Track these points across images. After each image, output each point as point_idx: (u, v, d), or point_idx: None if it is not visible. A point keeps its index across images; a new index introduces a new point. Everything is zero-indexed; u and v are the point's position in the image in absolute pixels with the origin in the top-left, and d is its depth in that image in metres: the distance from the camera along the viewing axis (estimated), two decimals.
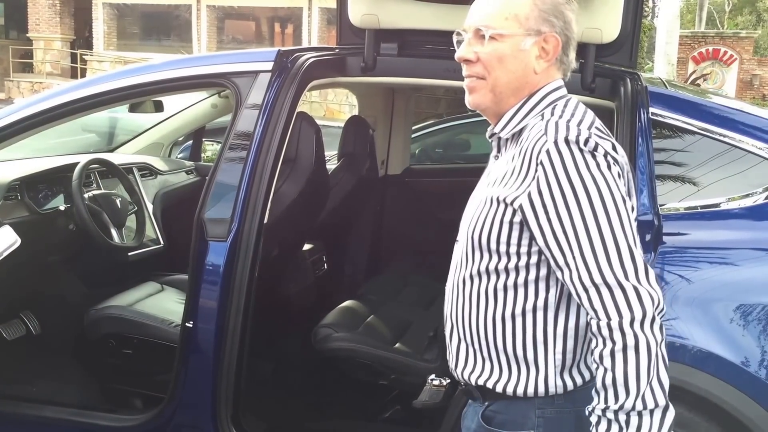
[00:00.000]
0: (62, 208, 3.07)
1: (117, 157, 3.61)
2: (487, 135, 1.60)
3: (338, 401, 3.05)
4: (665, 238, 2.19)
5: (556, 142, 1.38)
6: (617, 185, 1.38)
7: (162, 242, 3.51)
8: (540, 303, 1.47)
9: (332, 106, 16.08)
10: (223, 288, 2.44)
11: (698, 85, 13.25)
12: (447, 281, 1.64)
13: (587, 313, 1.38)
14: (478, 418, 1.57)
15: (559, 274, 1.41)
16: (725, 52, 16.94)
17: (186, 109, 4.04)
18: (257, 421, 2.70)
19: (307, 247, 3.34)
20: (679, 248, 2.25)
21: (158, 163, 3.85)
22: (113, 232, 3.15)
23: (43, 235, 2.99)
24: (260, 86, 2.52)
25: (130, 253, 3.25)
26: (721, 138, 2.36)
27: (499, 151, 1.58)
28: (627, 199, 1.40)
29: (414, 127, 4.65)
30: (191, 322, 2.47)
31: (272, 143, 2.48)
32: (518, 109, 1.52)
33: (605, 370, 1.35)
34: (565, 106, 1.50)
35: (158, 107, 3.70)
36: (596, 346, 1.36)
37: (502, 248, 1.46)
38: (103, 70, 16.63)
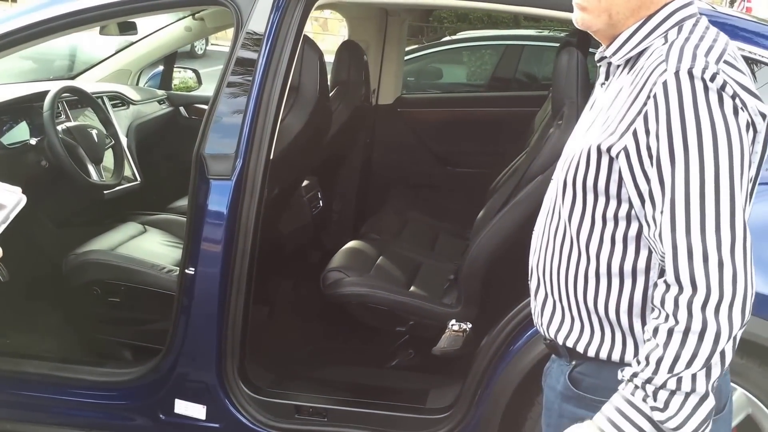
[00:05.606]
0: (33, 142, 2.75)
1: (86, 86, 3.26)
2: (596, 58, 1.36)
3: (346, 348, 2.87)
4: None
5: (677, 73, 1.15)
6: (740, 136, 1.14)
7: (138, 179, 3.22)
8: (641, 264, 1.26)
9: None
10: (228, 231, 2.24)
11: None
12: (535, 228, 1.44)
13: (660, 275, 1.19)
14: (564, 378, 1.39)
15: (645, 230, 1.21)
16: None
17: (156, 32, 3.69)
18: (264, 372, 2.51)
19: (303, 183, 3.10)
20: None
21: (129, 92, 3.51)
22: (90, 168, 2.86)
23: (11, 172, 2.67)
24: (265, 4, 2.25)
25: (105, 192, 2.96)
26: None
27: (607, 78, 1.35)
28: (748, 156, 1.16)
29: None
30: (192, 269, 2.26)
31: (279, 70, 2.26)
32: (637, 29, 1.27)
33: (656, 345, 1.15)
34: (694, 26, 1.26)
35: (129, 27, 3.35)
36: (656, 317, 1.17)
37: (600, 189, 1.26)
38: None
